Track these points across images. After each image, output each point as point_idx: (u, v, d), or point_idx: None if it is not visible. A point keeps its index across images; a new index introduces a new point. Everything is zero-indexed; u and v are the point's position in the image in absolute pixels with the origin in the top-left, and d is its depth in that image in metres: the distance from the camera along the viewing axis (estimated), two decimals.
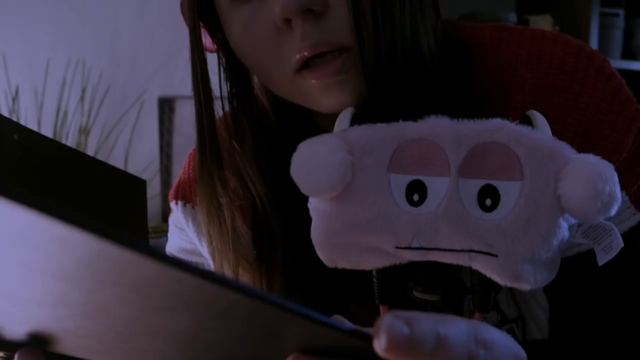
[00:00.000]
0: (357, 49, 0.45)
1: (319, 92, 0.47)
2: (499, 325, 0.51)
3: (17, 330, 0.32)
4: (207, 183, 0.54)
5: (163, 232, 0.73)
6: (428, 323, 0.26)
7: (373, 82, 0.46)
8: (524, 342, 0.46)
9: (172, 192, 0.65)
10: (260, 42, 0.48)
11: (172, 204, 0.64)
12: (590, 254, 0.41)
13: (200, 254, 0.63)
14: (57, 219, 0.19)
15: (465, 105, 0.49)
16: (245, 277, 0.55)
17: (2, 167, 0.42)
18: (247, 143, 0.55)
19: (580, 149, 0.40)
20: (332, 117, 0.45)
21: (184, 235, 0.64)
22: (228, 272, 0.55)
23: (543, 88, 0.49)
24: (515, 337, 0.50)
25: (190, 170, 0.64)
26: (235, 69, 0.54)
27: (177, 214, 0.64)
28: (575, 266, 0.46)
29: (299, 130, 0.53)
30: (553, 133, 0.40)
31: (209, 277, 0.22)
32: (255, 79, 0.56)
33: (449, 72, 0.49)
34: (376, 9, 0.45)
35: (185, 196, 0.63)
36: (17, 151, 0.42)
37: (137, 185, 0.52)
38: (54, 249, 0.21)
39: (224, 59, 0.55)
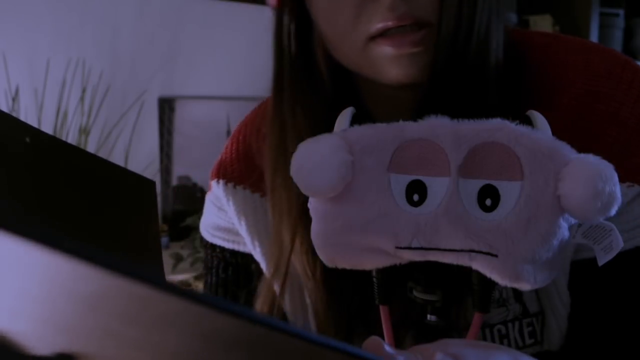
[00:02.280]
0: (436, 27, 0.47)
1: (389, 60, 0.48)
2: (520, 317, 0.52)
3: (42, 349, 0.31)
4: (277, 135, 0.56)
5: (163, 232, 0.73)
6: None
7: (442, 61, 0.47)
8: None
9: (213, 170, 0.66)
10: (346, 6, 0.49)
11: (213, 182, 0.65)
12: (617, 257, 0.40)
13: (237, 233, 0.63)
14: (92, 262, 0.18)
15: (517, 105, 0.50)
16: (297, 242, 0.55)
17: (14, 169, 0.42)
18: (306, 107, 0.56)
19: (619, 158, 0.40)
20: (383, 103, 0.48)
21: (223, 215, 0.65)
22: (286, 234, 0.54)
23: (589, 94, 0.50)
24: (533, 331, 0.51)
25: (233, 151, 0.65)
26: (303, 33, 0.56)
27: (218, 193, 0.64)
28: (600, 267, 0.46)
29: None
30: (594, 139, 0.41)
31: (226, 309, 0.20)
32: (319, 52, 0.57)
33: (504, 71, 0.51)
34: None
35: (227, 175, 0.64)
36: (28, 154, 0.42)
37: (146, 186, 0.52)
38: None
39: (294, 24, 0.56)
